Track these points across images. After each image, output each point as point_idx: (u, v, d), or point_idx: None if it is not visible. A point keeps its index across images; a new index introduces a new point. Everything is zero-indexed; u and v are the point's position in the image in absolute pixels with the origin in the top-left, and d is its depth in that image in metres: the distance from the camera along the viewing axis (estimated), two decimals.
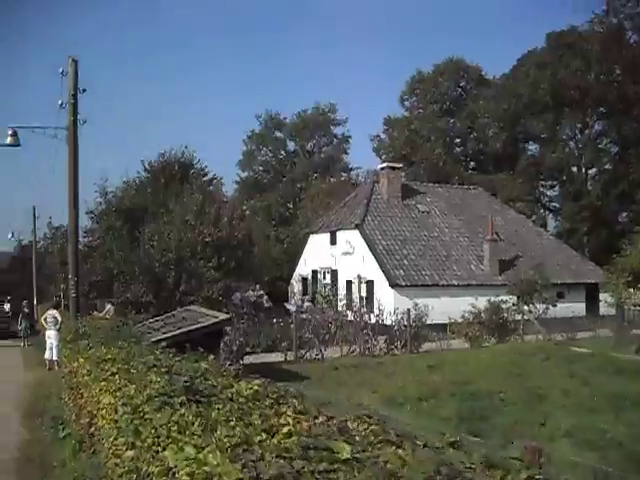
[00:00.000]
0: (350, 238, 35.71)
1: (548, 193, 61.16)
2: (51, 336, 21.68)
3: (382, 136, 63.85)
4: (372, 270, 33.33)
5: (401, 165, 40.28)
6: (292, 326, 21.44)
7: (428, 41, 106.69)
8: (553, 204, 61.54)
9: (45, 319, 22.00)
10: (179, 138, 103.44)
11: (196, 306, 18.23)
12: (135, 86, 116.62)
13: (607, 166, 53.79)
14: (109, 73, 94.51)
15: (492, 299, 27.07)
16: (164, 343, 11.96)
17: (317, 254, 39.35)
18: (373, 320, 24.80)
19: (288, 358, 21.22)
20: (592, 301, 37.00)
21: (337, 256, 37.19)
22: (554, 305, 27.75)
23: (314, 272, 39.93)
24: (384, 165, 38.42)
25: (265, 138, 60.31)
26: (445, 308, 28.10)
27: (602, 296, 37.88)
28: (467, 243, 36.89)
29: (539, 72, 55.20)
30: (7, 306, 38.46)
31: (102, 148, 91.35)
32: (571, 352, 21.13)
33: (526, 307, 27.29)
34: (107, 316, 21.78)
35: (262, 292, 37.72)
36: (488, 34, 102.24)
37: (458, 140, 62.01)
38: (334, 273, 37.55)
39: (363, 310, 23.55)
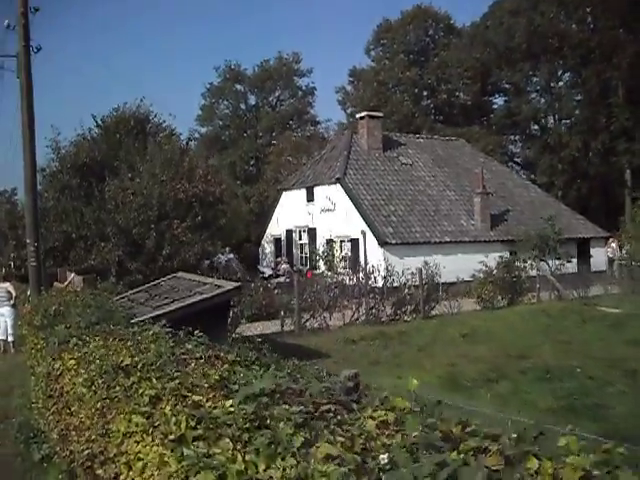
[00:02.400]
0: (330, 193, 32.78)
1: (519, 146, 59.02)
2: (5, 313, 18.33)
3: (348, 88, 60.67)
4: (356, 228, 30.51)
5: (382, 114, 37.22)
6: (295, 290, 18.42)
7: None
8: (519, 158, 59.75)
9: None
10: (134, 93, 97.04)
11: (182, 272, 15.10)
12: (87, 34, 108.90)
13: (583, 116, 51.54)
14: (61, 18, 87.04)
15: (502, 256, 24.52)
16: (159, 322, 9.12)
17: (291, 212, 36.32)
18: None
19: (286, 328, 18.31)
20: (583, 257, 34.95)
21: (315, 214, 34.27)
22: (569, 261, 25.47)
23: (288, 232, 36.93)
24: (363, 114, 35.34)
25: (225, 91, 56.40)
26: (438, 265, 25.56)
27: (593, 251, 36.22)
28: (455, 197, 34.38)
29: (513, 19, 52.55)
30: None
31: (52, 100, 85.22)
32: (604, 313, 18.78)
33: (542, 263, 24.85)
34: (71, 287, 18.54)
35: (232, 255, 34.76)
36: None
37: (427, 91, 59.13)
38: (312, 232, 34.65)
39: (372, 270, 20.61)
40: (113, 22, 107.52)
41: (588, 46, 48.92)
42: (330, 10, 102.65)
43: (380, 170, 33.69)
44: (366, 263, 20.76)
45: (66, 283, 19.35)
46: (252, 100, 58.60)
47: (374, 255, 28.47)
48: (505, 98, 59.99)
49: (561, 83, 54.02)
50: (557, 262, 25.44)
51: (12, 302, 18.30)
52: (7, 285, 18.48)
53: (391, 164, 34.58)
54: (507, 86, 58.69)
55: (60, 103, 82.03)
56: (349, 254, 31.35)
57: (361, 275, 20.15)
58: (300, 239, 36.18)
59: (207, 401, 3.58)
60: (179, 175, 23.08)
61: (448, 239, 31.06)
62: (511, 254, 32.96)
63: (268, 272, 34.66)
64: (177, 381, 4.10)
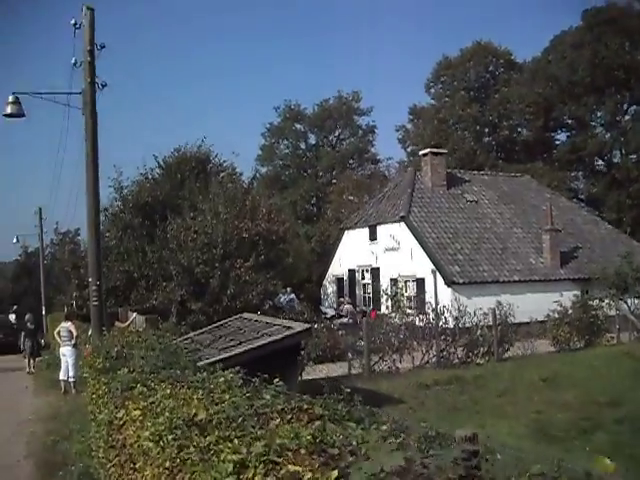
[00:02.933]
0: (394, 232, 32.00)
1: (583, 182, 57.22)
2: (66, 353, 18.11)
3: (408, 126, 60.14)
4: (422, 267, 29.61)
5: (445, 150, 36.45)
6: (363, 332, 17.59)
7: (453, 27, 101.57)
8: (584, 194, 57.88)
9: (59, 333, 18.40)
10: (195, 132, 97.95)
11: (249, 313, 14.51)
12: (151, 71, 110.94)
13: None
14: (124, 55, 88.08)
15: (576, 295, 23.22)
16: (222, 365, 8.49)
17: (354, 252, 35.65)
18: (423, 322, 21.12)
19: (353, 371, 17.47)
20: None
21: (378, 253, 33.50)
22: None
23: (351, 271, 36.23)
24: (426, 151, 34.63)
25: (284, 130, 56.50)
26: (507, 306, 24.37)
27: None
28: (522, 234, 33.18)
29: (576, 52, 51.46)
30: (12, 317, 34.89)
31: (113, 138, 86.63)
32: None
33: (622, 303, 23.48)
34: (132, 327, 18.16)
35: (293, 295, 34.15)
36: (514, 17, 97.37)
37: (489, 128, 58.12)
38: (375, 272, 33.85)
39: (443, 311, 19.64)
40: (176, 59, 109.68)
41: None
42: (389, 48, 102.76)
43: (445, 208, 32.81)
44: (437, 303, 19.86)
45: (127, 323, 19.04)
46: (312, 139, 58.58)
47: (441, 295, 27.53)
48: (568, 133, 58.63)
49: (627, 117, 52.30)
50: (637, 301, 24.02)
51: (74, 342, 18.03)
52: (69, 325, 18.24)
53: (456, 201, 33.68)
54: (570, 121, 57.37)
55: (122, 141, 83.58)
56: (414, 294, 30.44)
57: (431, 315, 19.21)
58: (363, 279, 35.42)
59: (306, 472, 2.88)
60: (242, 214, 22.69)
61: (517, 278, 29.86)
62: (583, 293, 31.75)
63: (331, 312, 33.91)
64: (263, 442, 3.40)
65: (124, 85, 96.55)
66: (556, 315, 21.74)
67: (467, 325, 19.79)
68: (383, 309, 32.62)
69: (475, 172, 38.53)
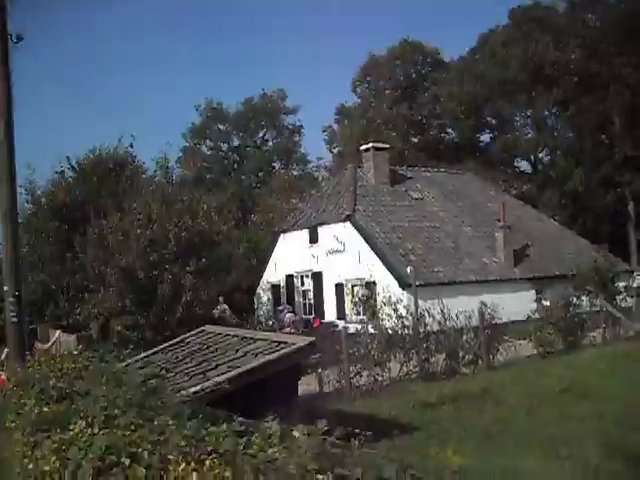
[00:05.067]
0: (338, 233, 29.50)
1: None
2: None
3: (334, 126, 58.05)
4: (371, 270, 27.23)
5: (388, 145, 34.28)
6: (342, 343, 14.84)
7: (379, 26, 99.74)
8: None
9: None
10: (114, 130, 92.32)
11: (211, 326, 11.68)
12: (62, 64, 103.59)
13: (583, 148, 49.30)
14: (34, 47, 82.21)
15: (564, 296, 21.19)
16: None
17: (292, 256, 32.90)
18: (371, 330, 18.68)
19: (325, 388, 14.80)
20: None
21: (320, 256, 30.90)
22: (631, 296, 22.46)
23: (289, 277, 33.45)
24: (369, 145, 32.38)
25: (206, 131, 53.30)
26: (464, 308, 22.31)
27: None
28: (472, 233, 31.39)
29: (506, 50, 50.69)
30: None
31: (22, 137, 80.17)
32: None
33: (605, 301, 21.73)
34: (55, 349, 14.93)
35: (226, 305, 31.18)
36: (438, 15, 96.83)
37: (417, 128, 56.71)
38: (317, 276, 31.24)
39: (423, 314, 17.17)
40: (86, 51, 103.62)
41: (587, 74, 46.95)
42: (312, 48, 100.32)
43: (391, 206, 30.63)
44: (416, 306, 17.50)
45: (49, 344, 15.71)
46: (236, 141, 55.50)
47: (395, 299, 25.15)
48: (491, 134, 58.05)
49: (563, 112, 51.85)
50: (619, 297, 22.43)
51: None
52: None
53: (401, 199, 31.57)
54: (494, 121, 56.72)
55: (32, 137, 77.12)
56: (362, 299, 28.07)
57: (409, 321, 16.71)
58: (302, 285, 32.75)
59: None
60: (180, 212, 19.69)
61: (473, 278, 27.93)
62: (537, 292, 30.27)
63: (269, 323, 31.11)
64: None
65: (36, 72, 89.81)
66: (536, 316, 19.79)
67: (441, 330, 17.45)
68: (328, 317, 30.21)
69: (417, 168, 36.62)
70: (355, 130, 54.39)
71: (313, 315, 31.17)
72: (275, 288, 34.75)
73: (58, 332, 15.96)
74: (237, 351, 9.03)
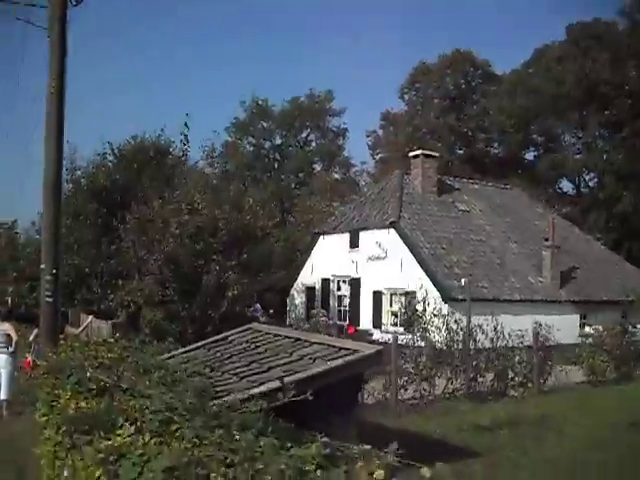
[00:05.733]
0: (381, 239, 28.56)
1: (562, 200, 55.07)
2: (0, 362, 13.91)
3: (379, 132, 57.06)
4: (413, 280, 26.22)
5: (438, 154, 33.27)
6: (392, 353, 13.83)
7: (431, 36, 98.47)
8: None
9: None
10: (153, 121, 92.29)
11: (259, 324, 10.85)
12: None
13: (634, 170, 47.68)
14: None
15: (583, 318, 20.10)
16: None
17: (330, 259, 32.02)
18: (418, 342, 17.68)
19: (368, 399, 13.84)
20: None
21: (359, 262, 29.97)
22: None
23: (325, 281, 32.57)
24: (418, 152, 31.41)
25: (250, 127, 52.68)
26: (508, 327, 21.24)
27: None
28: (518, 250, 30.27)
29: (562, 66, 49.33)
30: None
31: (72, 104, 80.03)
32: None
33: None
34: (86, 334, 14.21)
35: (258, 305, 30.51)
36: (492, 30, 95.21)
37: (463, 140, 55.50)
38: (355, 283, 30.33)
39: (476, 330, 16.13)
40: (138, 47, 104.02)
41: None
42: (361, 51, 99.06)
43: (437, 216, 29.62)
44: (469, 320, 16.50)
45: (81, 329, 15.00)
46: (278, 139, 54.79)
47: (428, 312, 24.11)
48: (535, 153, 56.77)
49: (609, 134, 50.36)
50: None
51: (12, 349, 13.89)
52: (7, 327, 14.09)
53: (447, 210, 30.55)
54: (541, 139, 55.37)
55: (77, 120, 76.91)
56: (402, 309, 27.14)
57: (459, 335, 15.72)
58: (339, 290, 31.86)
59: None
60: (224, 203, 18.92)
61: (518, 297, 26.82)
62: (582, 317, 29.08)
63: (301, 326, 30.25)
64: None
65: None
66: (589, 341, 18.69)
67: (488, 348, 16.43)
68: (363, 324, 29.30)
69: (465, 180, 35.50)
70: (401, 137, 53.45)
71: (347, 322, 30.28)
72: (310, 291, 33.90)
73: (90, 317, 15.25)
74: (291, 354, 8.17)
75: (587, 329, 28.48)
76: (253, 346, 9.08)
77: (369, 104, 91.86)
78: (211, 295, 16.37)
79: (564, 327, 23.79)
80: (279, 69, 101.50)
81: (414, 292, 26.26)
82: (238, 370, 7.93)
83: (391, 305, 28.27)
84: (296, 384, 6.86)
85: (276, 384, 6.78)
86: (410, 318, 16.96)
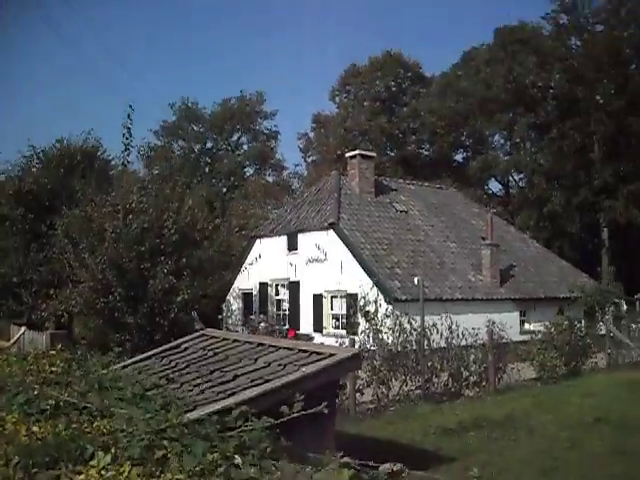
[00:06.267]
0: (320, 241, 28.07)
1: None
2: None
3: (310, 134, 56.66)
4: (354, 282, 25.84)
5: (374, 154, 33.04)
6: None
7: (361, 37, 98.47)
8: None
9: None
10: (79, 125, 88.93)
11: (213, 329, 10.16)
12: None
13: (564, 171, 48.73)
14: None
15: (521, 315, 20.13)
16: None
17: (267, 263, 31.35)
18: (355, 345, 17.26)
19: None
20: (589, 318, 31.26)
21: (298, 265, 29.42)
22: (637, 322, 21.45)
23: (262, 285, 31.87)
24: (355, 152, 31.09)
25: (179, 131, 51.40)
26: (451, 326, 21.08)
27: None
28: (457, 249, 30.31)
29: (490, 69, 50.09)
30: None
31: None
32: None
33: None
34: (18, 348, 13.18)
35: (194, 312, 29.57)
36: (421, 31, 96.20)
37: (395, 141, 55.68)
38: (294, 286, 29.74)
39: (433, 330, 15.74)
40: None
41: (570, 99, 46.48)
42: (291, 53, 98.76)
43: (375, 216, 29.35)
44: (423, 320, 16.10)
45: (12, 341, 13.93)
46: (209, 142, 53.65)
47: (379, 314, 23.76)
48: (464, 155, 57.65)
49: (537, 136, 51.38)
50: (622, 321, 21.39)
51: None
52: None
53: (385, 210, 30.33)
54: (473, 140, 56.16)
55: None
56: (342, 312, 26.82)
57: (412, 335, 15.30)
58: (277, 294, 31.21)
59: None
60: (162, 205, 18.00)
61: (460, 296, 26.75)
62: (521, 314, 29.31)
63: (239, 331, 29.48)
64: None
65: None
66: (538, 337, 18.62)
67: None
68: (303, 328, 28.73)
69: (401, 181, 35.48)
70: (332, 139, 53.23)
71: (287, 326, 29.66)
72: (247, 296, 33.14)
73: (23, 329, 14.12)
74: (256, 360, 7.53)
75: (527, 326, 28.77)
76: (211, 353, 8.40)
77: (300, 107, 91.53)
78: (159, 301, 15.47)
79: (505, 325, 23.87)
80: (208, 70, 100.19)
81: (356, 294, 25.86)
82: (198, 381, 7.24)
83: (332, 308, 27.82)
84: (271, 393, 6.25)
85: (251, 393, 6.14)
86: (353, 321, 16.45)
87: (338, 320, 27.39)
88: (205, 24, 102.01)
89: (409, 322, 15.64)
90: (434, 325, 15.98)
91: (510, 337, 20.02)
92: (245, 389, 6.38)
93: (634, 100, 44.67)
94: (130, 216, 16.38)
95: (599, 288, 23.24)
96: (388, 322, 15.86)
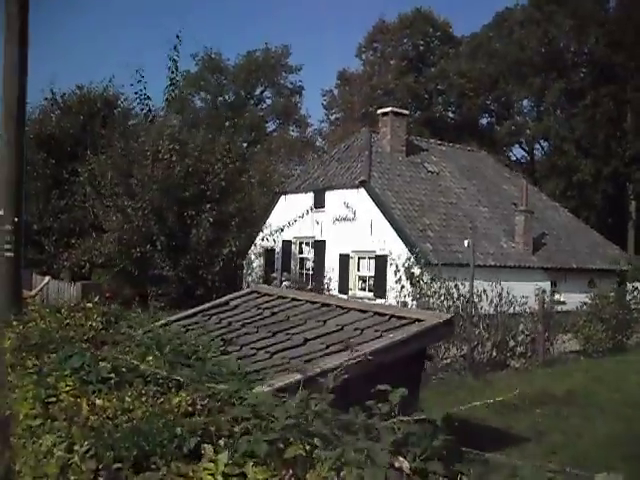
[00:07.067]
0: (349, 200, 27.03)
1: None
2: None
3: (335, 91, 55.22)
4: (384, 243, 24.89)
5: (407, 112, 31.81)
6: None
7: None
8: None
9: None
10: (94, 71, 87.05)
11: (262, 285, 9.28)
12: None
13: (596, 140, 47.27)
14: None
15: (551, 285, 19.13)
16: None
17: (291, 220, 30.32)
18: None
19: None
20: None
21: (325, 223, 28.42)
22: None
23: (286, 243, 30.89)
24: (387, 109, 29.82)
25: (202, 82, 50.08)
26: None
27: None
28: (489, 214, 29.20)
29: (525, 30, 48.31)
30: None
31: None
32: None
33: None
34: (39, 297, 12.38)
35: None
36: None
37: (422, 102, 54.19)
38: (319, 245, 28.79)
39: (480, 294, 14.85)
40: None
41: (607, 64, 44.82)
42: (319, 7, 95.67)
43: (407, 177, 28.25)
44: (472, 285, 15.19)
45: (36, 290, 13.09)
46: (232, 95, 52.31)
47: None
48: (503, 116, 55.96)
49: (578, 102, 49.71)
50: None
51: None
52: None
53: (417, 171, 29.21)
54: (501, 105, 54.61)
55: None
56: (370, 274, 25.95)
57: (460, 301, 14.42)
58: (301, 252, 30.28)
59: None
60: (204, 155, 16.98)
61: (492, 262, 25.74)
62: (552, 284, 28.32)
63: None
64: None
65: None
66: (585, 309, 17.68)
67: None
68: (327, 289, 27.90)
69: (432, 141, 34.24)
70: (357, 97, 51.85)
71: (311, 286, 28.80)
72: (269, 253, 32.16)
73: (47, 278, 13.35)
74: (324, 323, 6.61)
75: (557, 297, 27.81)
76: (268, 313, 7.49)
77: (326, 63, 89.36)
78: (202, 252, 14.54)
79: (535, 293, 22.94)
80: (233, 23, 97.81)
81: (385, 256, 25.03)
82: (261, 343, 6.33)
83: (359, 269, 26.91)
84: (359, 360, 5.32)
85: (337, 360, 5.20)
86: (411, 282, 15.48)
87: (365, 282, 26.52)
88: None
89: (456, 287, 14.72)
90: (484, 291, 15.06)
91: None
92: (325, 355, 5.45)
93: None
94: (170, 158, 15.38)
95: None
96: (434, 286, 14.93)
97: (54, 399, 3.67)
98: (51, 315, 7.51)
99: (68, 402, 3.51)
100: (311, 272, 29.43)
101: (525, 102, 53.15)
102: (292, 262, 30.60)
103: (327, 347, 5.75)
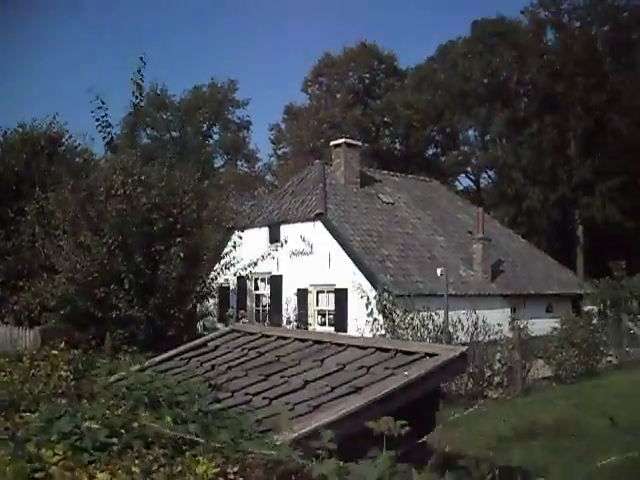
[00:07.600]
0: (305, 233, 26.56)
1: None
2: None
3: (281, 126, 55.03)
4: (342, 275, 24.46)
5: (360, 143, 31.67)
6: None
7: (336, 26, 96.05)
8: None
9: None
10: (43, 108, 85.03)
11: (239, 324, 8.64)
12: None
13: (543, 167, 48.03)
14: None
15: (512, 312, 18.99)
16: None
17: (245, 257, 29.62)
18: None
19: None
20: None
21: (281, 258, 27.79)
22: None
23: (241, 280, 30.11)
24: (340, 141, 29.65)
25: (147, 119, 49.28)
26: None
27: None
28: (445, 243, 29.10)
29: (468, 62, 49.15)
30: None
31: None
32: None
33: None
34: None
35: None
36: (396, 26, 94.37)
37: (368, 134, 54.37)
38: (276, 280, 28.16)
39: (458, 327, 14.42)
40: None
41: (549, 94, 45.78)
42: (264, 42, 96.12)
43: (362, 208, 27.98)
44: (447, 314, 14.76)
45: None
46: (179, 131, 51.60)
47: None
48: (443, 148, 56.61)
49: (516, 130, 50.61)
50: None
51: None
52: None
53: (372, 202, 29.00)
54: (445, 135, 55.27)
55: None
56: (330, 307, 25.46)
57: (435, 331, 13.96)
58: (257, 289, 29.58)
59: None
60: (166, 193, 16.38)
61: (453, 292, 25.48)
62: (512, 311, 28.25)
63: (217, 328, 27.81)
64: None
65: None
66: (554, 334, 17.47)
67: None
68: (285, 325, 27.22)
69: (385, 172, 34.16)
70: (305, 131, 51.76)
71: (268, 323, 28.08)
72: (224, 290, 31.34)
73: None
74: (322, 362, 6.03)
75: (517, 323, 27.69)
76: (254, 353, 6.87)
77: (272, 97, 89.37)
78: (173, 289, 13.78)
79: (496, 321, 22.75)
80: (179, 58, 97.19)
81: (345, 289, 24.57)
82: (254, 388, 5.71)
83: (317, 304, 26.38)
84: (372, 405, 4.76)
85: (350, 407, 4.65)
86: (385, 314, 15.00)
87: (324, 316, 25.98)
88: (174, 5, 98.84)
89: (431, 318, 14.30)
90: (459, 320, 14.68)
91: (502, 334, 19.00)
92: (334, 399, 4.89)
93: (612, 96, 44.23)
94: (124, 193, 14.68)
95: (612, 284, 22.18)
96: (407, 318, 14.49)
97: (42, 474, 2.99)
98: (11, 365, 6.79)
99: (62, 478, 2.87)
100: (268, 308, 28.75)
101: (471, 132, 53.88)
102: (248, 299, 29.85)
103: (332, 390, 5.18)
